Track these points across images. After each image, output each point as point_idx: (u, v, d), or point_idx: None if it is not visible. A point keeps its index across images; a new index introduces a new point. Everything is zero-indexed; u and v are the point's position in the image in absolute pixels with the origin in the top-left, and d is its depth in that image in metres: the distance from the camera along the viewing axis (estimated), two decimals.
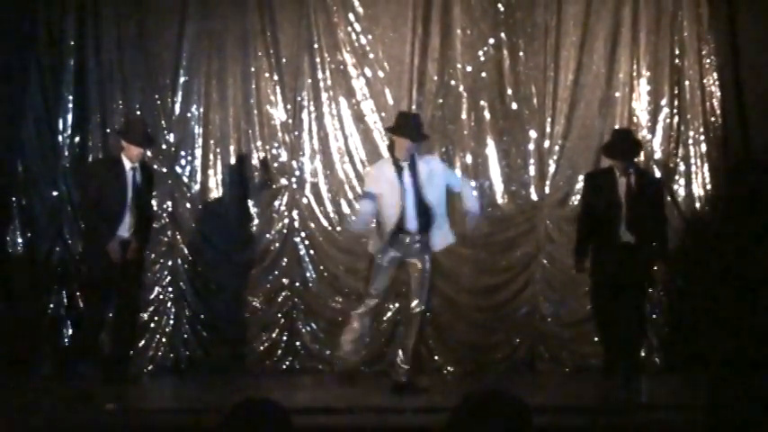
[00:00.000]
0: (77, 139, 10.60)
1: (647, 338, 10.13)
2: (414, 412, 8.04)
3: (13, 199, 10.41)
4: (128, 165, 9.44)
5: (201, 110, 10.72)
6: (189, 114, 10.72)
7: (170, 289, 10.56)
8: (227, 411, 3.52)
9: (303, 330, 10.57)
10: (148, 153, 10.47)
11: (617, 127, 10.12)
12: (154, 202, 10.35)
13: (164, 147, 10.66)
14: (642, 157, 10.32)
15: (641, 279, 9.46)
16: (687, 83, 10.49)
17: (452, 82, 10.67)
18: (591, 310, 9.76)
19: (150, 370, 10.40)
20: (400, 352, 9.15)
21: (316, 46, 10.71)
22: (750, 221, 10.00)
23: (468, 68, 10.66)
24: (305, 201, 10.67)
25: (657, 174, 10.34)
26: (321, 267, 10.63)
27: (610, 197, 9.35)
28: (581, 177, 10.14)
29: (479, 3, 10.66)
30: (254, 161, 10.71)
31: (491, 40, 10.66)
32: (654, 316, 10.25)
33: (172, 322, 10.55)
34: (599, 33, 10.60)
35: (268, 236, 10.66)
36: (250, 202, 10.71)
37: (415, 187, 8.92)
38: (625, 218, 9.28)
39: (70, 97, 10.59)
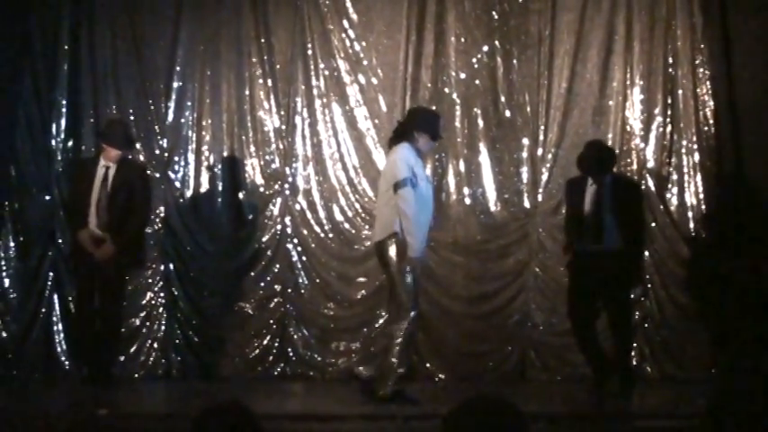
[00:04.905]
0: (71, 143, 10.59)
1: (639, 347, 10.15)
2: (405, 419, 8.02)
3: (6, 203, 10.39)
4: (101, 164, 9.47)
5: (195, 115, 10.73)
6: (182, 120, 10.72)
7: (162, 294, 10.56)
8: (195, 416, 3.49)
9: (295, 337, 10.55)
10: (141, 157, 10.53)
11: (588, 140, 9.98)
12: None
13: (157, 152, 10.66)
14: (635, 165, 10.38)
15: (613, 287, 9.36)
16: (681, 92, 10.49)
17: (446, 89, 10.67)
18: (568, 318, 9.58)
19: (142, 374, 10.41)
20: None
21: (310, 52, 10.72)
22: (742, 230, 10.01)
23: (462, 76, 10.67)
24: (298, 207, 10.67)
25: (650, 181, 10.36)
26: (313, 274, 10.62)
27: (578, 205, 9.33)
28: None
29: (473, 10, 10.67)
30: (248, 167, 10.71)
31: (485, 48, 10.67)
32: (645, 325, 10.26)
33: (164, 327, 10.54)
34: (593, 42, 10.60)
35: (261, 242, 10.66)
36: (243, 208, 10.71)
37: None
38: (591, 227, 9.24)
39: (64, 102, 10.58)
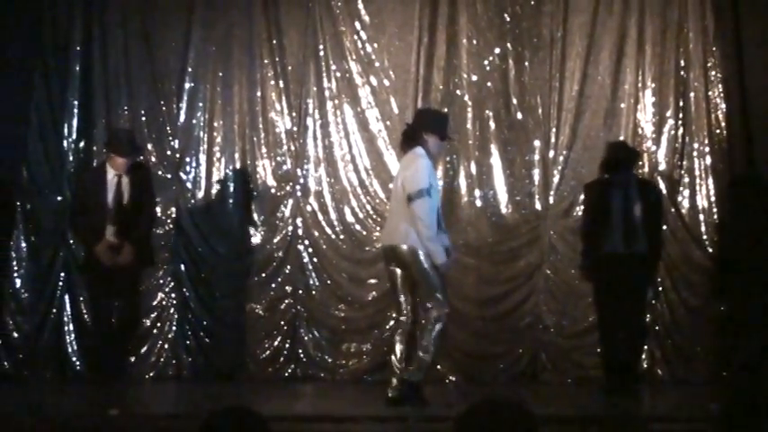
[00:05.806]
0: (82, 144, 10.62)
1: (650, 350, 10.15)
2: (416, 421, 8.02)
3: (18, 204, 10.40)
4: (111, 173, 9.48)
5: (206, 116, 10.74)
6: (194, 121, 10.73)
7: (173, 295, 10.57)
8: (205, 418, 3.49)
9: (306, 338, 10.55)
10: (152, 159, 10.54)
11: (610, 141, 10.06)
12: (158, 209, 10.34)
13: (168, 153, 10.68)
14: (647, 168, 10.36)
15: (638, 290, 9.50)
16: (692, 95, 10.47)
17: (458, 91, 10.67)
18: (595, 320, 9.80)
19: (152, 375, 10.42)
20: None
21: (321, 54, 10.73)
22: (753, 234, 9.99)
23: (474, 78, 10.66)
24: (309, 208, 10.67)
25: (662, 184, 10.33)
26: (324, 275, 10.62)
27: (605, 208, 9.38)
28: None
29: (485, 12, 10.66)
30: (259, 168, 10.72)
31: (497, 50, 10.66)
32: (657, 328, 10.24)
33: (174, 328, 10.55)
34: (605, 44, 10.58)
35: (272, 243, 10.66)
36: (254, 209, 10.72)
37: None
38: (621, 229, 9.31)
39: (76, 102, 10.61)
